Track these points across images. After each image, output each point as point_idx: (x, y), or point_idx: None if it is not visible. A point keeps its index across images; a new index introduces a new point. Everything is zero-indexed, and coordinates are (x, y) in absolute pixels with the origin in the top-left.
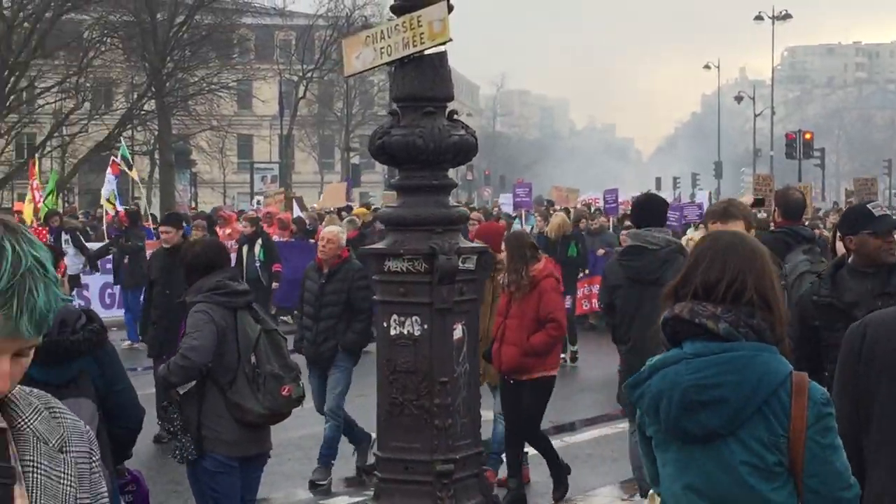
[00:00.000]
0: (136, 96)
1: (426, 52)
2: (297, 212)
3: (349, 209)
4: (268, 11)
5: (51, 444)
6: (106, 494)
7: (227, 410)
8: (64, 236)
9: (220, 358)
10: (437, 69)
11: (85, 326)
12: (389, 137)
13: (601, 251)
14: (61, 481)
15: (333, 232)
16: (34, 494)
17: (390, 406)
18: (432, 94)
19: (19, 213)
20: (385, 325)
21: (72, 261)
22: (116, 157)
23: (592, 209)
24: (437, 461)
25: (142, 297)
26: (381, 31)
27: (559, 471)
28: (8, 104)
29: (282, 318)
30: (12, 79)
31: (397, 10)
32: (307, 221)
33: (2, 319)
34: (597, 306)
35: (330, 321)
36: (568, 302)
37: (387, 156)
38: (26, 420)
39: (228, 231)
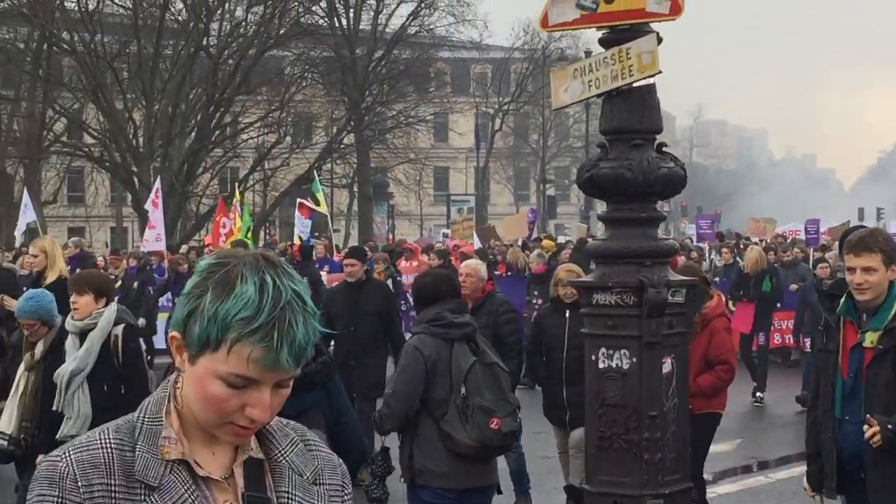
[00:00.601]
0: (335, 130)
1: (634, 85)
2: (477, 243)
3: (538, 240)
4: (464, 45)
5: (305, 477)
6: None
7: (440, 441)
8: None
9: (432, 390)
10: (646, 101)
11: (315, 358)
12: (598, 170)
13: (793, 286)
14: None
15: (472, 266)
16: None
17: (599, 440)
18: (640, 127)
19: (208, 246)
20: (593, 358)
21: None
22: (306, 197)
23: (789, 240)
24: (646, 496)
25: None
26: (590, 64)
27: None
28: (213, 139)
29: None
30: (217, 114)
31: (605, 43)
32: (496, 254)
33: (263, 351)
34: (789, 341)
35: None
36: (762, 338)
37: (595, 188)
38: (282, 451)
39: (416, 263)
